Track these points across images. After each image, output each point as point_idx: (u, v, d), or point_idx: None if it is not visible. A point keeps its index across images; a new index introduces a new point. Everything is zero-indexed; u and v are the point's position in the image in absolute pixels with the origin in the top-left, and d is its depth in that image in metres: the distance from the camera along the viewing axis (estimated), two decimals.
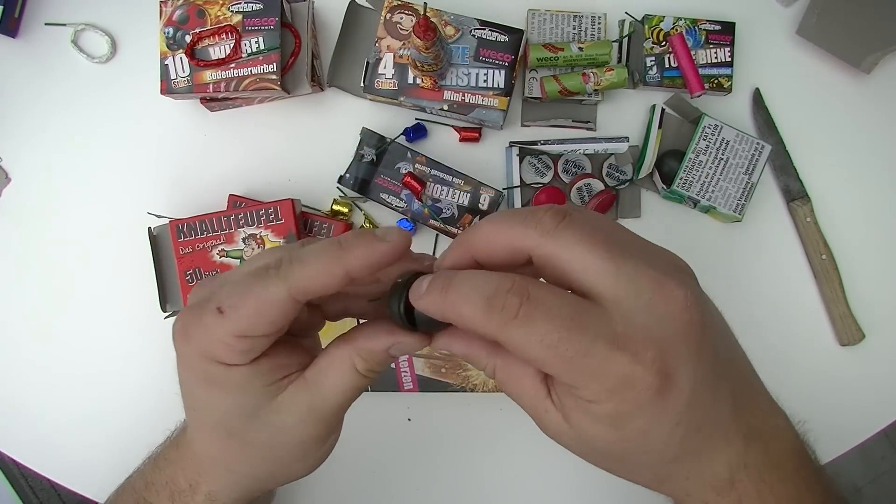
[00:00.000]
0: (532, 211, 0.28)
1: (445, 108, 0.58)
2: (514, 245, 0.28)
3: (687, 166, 0.58)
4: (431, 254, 0.61)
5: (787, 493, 0.33)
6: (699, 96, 0.59)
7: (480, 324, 0.27)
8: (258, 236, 0.56)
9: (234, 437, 0.33)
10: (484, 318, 0.27)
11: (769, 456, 0.33)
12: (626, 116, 0.61)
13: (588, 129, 0.61)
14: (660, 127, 0.59)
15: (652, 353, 0.26)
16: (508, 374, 0.31)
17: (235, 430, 0.32)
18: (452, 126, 0.61)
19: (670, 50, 0.60)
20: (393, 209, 0.59)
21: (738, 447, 0.31)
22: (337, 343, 0.32)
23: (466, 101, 0.57)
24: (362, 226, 0.60)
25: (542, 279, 0.29)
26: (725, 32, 0.60)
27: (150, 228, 0.58)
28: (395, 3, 0.58)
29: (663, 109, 0.59)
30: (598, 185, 0.59)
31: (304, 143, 0.61)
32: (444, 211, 0.59)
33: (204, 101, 0.58)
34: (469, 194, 0.59)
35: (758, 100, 0.61)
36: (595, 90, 0.58)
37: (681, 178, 0.58)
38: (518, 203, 0.60)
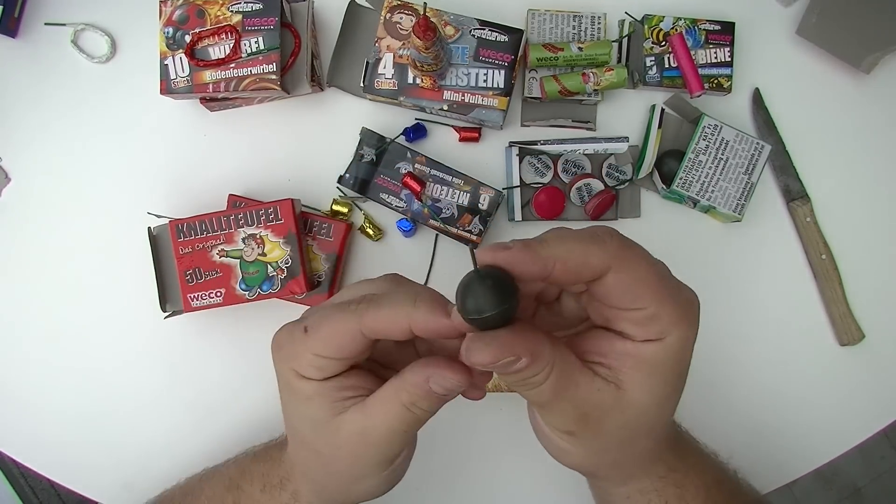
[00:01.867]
0: (594, 231, 0.32)
1: (445, 108, 0.58)
2: (588, 261, 0.31)
3: (687, 166, 0.58)
4: (431, 254, 0.61)
5: None
6: (699, 96, 0.59)
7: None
8: (258, 236, 0.56)
9: (305, 444, 0.38)
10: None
11: (680, 489, 0.41)
12: (626, 116, 0.61)
13: (588, 129, 0.61)
14: (660, 127, 0.59)
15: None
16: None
17: (305, 438, 0.37)
18: (452, 126, 0.61)
19: (670, 50, 0.60)
20: (393, 209, 0.59)
21: (655, 481, 0.40)
22: (392, 378, 0.35)
23: (466, 101, 0.57)
24: (362, 226, 0.60)
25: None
26: (725, 32, 0.60)
27: (150, 228, 0.58)
28: (395, 3, 0.58)
29: (663, 109, 0.59)
30: (597, 185, 0.59)
31: (303, 143, 0.61)
32: (443, 211, 0.59)
33: (204, 101, 0.58)
34: (469, 194, 0.59)
35: (757, 100, 0.61)
36: (595, 90, 0.58)
37: (680, 178, 0.58)
38: (518, 202, 0.60)
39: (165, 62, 0.56)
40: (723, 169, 0.58)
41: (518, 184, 0.60)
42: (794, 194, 0.61)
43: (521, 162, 0.59)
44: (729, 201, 0.59)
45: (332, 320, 0.34)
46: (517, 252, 0.30)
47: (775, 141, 0.61)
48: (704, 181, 0.58)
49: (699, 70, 0.59)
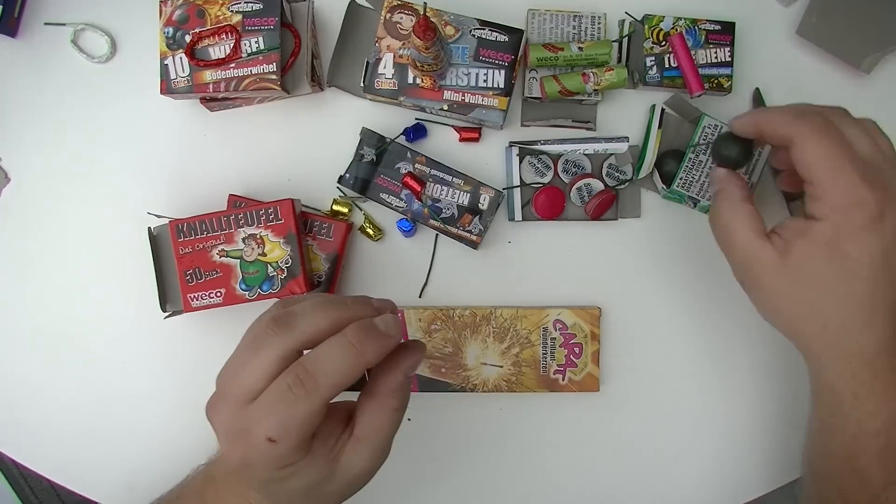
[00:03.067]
0: (803, 108, 0.44)
1: (445, 108, 0.58)
2: (776, 130, 0.44)
3: (687, 166, 0.58)
4: (431, 254, 0.61)
5: None
6: (699, 96, 0.59)
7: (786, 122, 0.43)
8: (258, 236, 0.56)
9: (314, 500, 0.41)
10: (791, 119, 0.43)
11: None
12: (626, 116, 0.61)
13: (588, 129, 0.61)
14: (660, 127, 0.59)
15: (878, 193, 0.41)
16: (734, 214, 0.46)
17: (315, 498, 0.41)
18: (452, 126, 0.61)
19: (670, 50, 0.60)
20: (393, 209, 0.59)
21: (886, 336, 0.43)
22: (366, 399, 0.40)
23: (466, 101, 0.57)
24: (362, 226, 0.60)
25: None
26: (725, 32, 0.60)
27: (150, 228, 0.58)
28: (395, 3, 0.58)
29: (663, 109, 0.59)
30: (597, 185, 0.59)
31: (304, 143, 0.61)
32: (443, 211, 0.59)
33: (204, 101, 0.58)
34: (469, 194, 0.59)
35: (757, 99, 0.61)
36: (595, 90, 0.58)
37: (680, 179, 0.58)
38: (518, 202, 0.60)
39: (165, 62, 0.56)
40: None
41: (518, 184, 0.60)
42: (794, 194, 0.61)
43: (521, 162, 0.59)
44: None
45: (295, 417, 0.35)
46: (742, 119, 0.47)
47: None
48: (705, 181, 0.58)
49: (699, 70, 0.59)
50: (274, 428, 0.35)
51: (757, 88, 0.62)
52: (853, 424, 0.44)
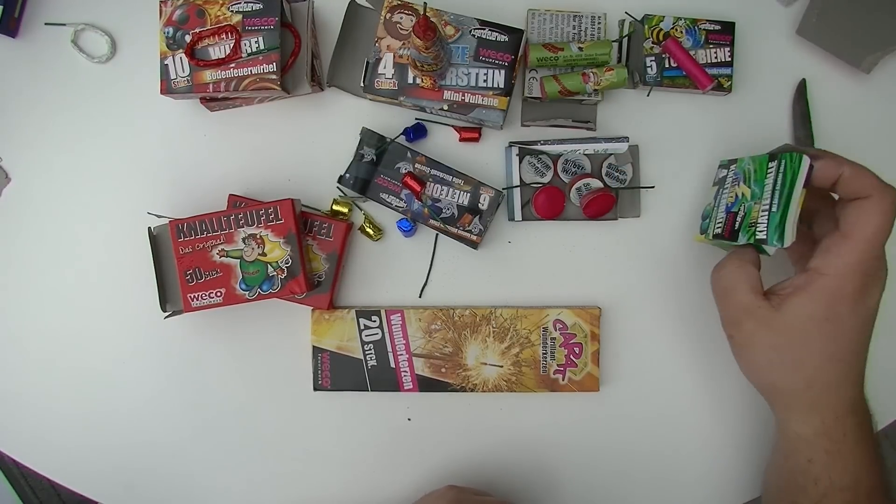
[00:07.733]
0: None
1: (445, 108, 0.58)
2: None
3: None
4: (431, 254, 0.61)
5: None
6: (709, 90, 0.59)
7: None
8: (258, 236, 0.56)
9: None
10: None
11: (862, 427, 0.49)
12: (626, 116, 0.61)
13: (588, 129, 0.61)
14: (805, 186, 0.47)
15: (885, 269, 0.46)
16: (739, 273, 0.49)
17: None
18: (452, 126, 0.61)
19: (665, 54, 0.60)
20: (393, 209, 0.59)
21: (856, 396, 0.48)
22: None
23: (466, 100, 0.57)
24: (362, 226, 0.60)
25: None
26: (725, 32, 0.60)
27: (150, 228, 0.58)
28: (395, 3, 0.58)
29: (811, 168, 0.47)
30: (597, 185, 0.59)
31: (303, 143, 0.61)
32: (443, 211, 0.59)
33: (204, 101, 0.58)
34: (469, 194, 0.59)
35: (801, 90, 0.61)
36: (595, 90, 0.58)
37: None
38: (518, 202, 0.60)
39: (165, 62, 0.56)
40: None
41: (518, 184, 0.60)
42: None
43: (521, 162, 0.59)
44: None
45: None
46: (826, 161, 0.46)
47: (805, 136, 0.61)
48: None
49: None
50: None
51: (803, 80, 0.61)
52: (825, 480, 0.47)
